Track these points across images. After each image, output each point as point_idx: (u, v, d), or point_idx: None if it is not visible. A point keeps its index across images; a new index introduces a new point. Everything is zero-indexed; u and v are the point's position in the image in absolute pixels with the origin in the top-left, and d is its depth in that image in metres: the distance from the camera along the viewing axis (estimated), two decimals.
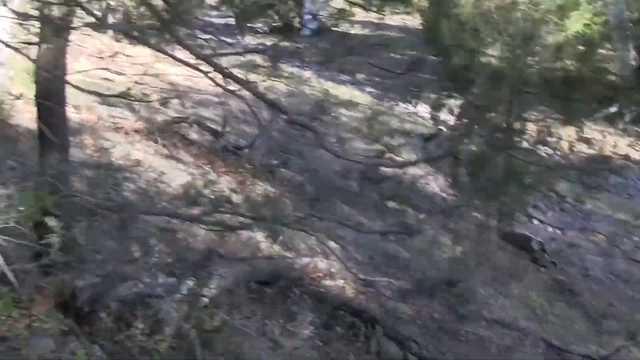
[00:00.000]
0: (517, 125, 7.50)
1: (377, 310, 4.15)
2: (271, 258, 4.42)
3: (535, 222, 8.98)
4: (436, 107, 8.34)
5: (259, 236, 4.77)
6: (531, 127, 8.15)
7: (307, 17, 21.75)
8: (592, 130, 14.41)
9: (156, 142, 6.86)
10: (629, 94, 14.58)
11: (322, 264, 4.49)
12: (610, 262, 8.00)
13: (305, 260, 4.42)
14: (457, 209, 8.12)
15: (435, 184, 8.61)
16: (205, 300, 3.43)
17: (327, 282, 4.44)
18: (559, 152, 13.19)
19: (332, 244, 5.27)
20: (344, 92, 14.75)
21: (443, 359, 3.93)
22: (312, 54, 19.46)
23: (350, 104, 13.43)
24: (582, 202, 9.94)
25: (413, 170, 7.93)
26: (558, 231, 8.82)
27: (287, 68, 16.47)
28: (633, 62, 14.37)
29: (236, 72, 3.13)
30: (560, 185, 10.49)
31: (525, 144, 8.09)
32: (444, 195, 8.49)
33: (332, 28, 23.12)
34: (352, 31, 23.76)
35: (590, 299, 6.66)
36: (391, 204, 7.82)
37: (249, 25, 21.97)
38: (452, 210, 8.09)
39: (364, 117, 12.29)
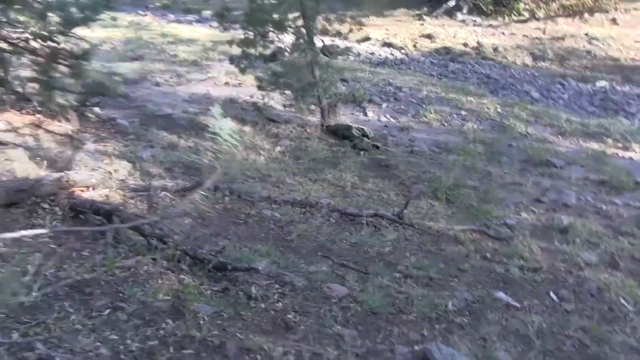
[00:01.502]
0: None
1: (132, 209, 4.00)
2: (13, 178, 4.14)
3: (370, 113, 9.15)
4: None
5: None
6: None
7: None
8: (433, 25, 14.88)
9: None
10: None
11: (78, 176, 4.27)
12: (435, 138, 8.33)
13: (57, 174, 4.19)
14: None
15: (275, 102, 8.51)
16: None
17: (88, 194, 4.23)
18: (404, 50, 13.51)
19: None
20: (185, 30, 14.28)
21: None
22: None
23: (190, 41, 13.06)
24: (418, 90, 10.25)
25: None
26: (392, 119, 9.05)
27: (126, 17, 15.71)
28: None
29: None
30: (400, 78, 10.78)
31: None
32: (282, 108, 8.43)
33: None
34: None
35: (407, 170, 6.90)
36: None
37: None
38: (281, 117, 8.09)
39: (202, 49, 11.99)
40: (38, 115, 6.67)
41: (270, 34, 7.01)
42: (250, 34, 6.60)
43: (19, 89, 6.86)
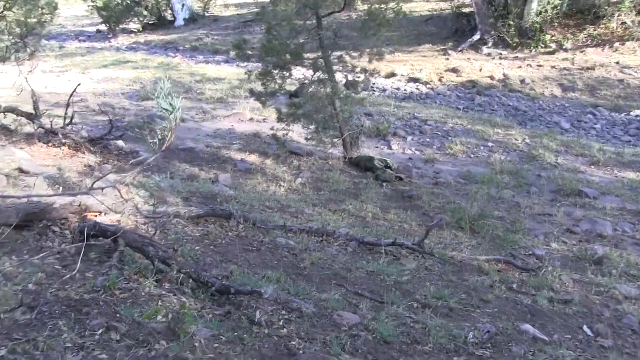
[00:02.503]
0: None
1: (144, 234, 3.92)
2: (28, 199, 4.12)
3: (394, 146, 9.03)
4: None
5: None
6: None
7: (178, 8, 21.33)
8: (458, 59, 14.82)
9: None
10: (486, 20, 15.07)
11: (91, 201, 4.23)
12: (461, 169, 8.12)
13: (69, 199, 4.16)
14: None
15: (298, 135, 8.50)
16: None
17: (100, 218, 4.19)
18: (430, 84, 13.43)
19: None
20: (212, 69, 14.57)
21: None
22: (184, 41, 19.15)
23: (216, 79, 13.32)
24: (444, 122, 10.11)
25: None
26: (417, 151, 8.90)
27: (156, 58, 16.15)
28: None
29: None
30: (425, 111, 10.67)
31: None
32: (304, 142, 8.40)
33: (206, 14, 22.85)
34: (227, 13, 23.54)
35: (430, 201, 6.71)
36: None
37: (121, 27, 21.39)
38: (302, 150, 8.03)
39: (228, 87, 12.16)
40: (62, 148, 6.78)
41: (290, 66, 7.00)
42: (268, 66, 6.59)
43: (47, 124, 7.02)
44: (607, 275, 4.99)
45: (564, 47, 14.33)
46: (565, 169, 8.31)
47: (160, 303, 2.93)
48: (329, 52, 6.71)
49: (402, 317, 3.59)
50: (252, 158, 7.61)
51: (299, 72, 8.53)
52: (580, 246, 5.74)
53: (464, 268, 4.77)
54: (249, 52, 6.85)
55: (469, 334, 3.56)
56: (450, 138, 9.41)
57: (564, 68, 13.61)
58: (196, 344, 2.59)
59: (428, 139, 9.43)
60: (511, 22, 14.81)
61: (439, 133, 9.74)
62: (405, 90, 13.19)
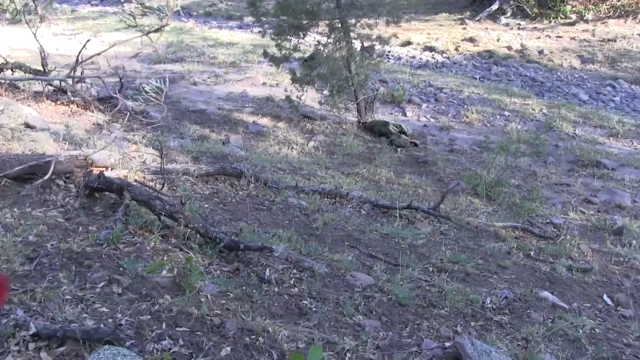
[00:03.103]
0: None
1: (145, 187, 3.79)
2: (31, 154, 4.01)
3: (409, 113, 8.82)
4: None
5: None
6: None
7: None
8: (476, 29, 14.43)
9: None
10: None
11: (97, 155, 4.10)
12: (477, 137, 7.92)
13: (74, 152, 4.03)
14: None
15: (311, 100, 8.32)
16: None
17: (107, 173, 4.06)
18: (446, 53, 13.13)
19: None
20: (225, 35, 14.31)
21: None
22: (198, 7, 18.84)
23: (229, 44, 13.09)
24: (459, 91, 9.86)
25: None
26: (432, 119, 8.69)
27: (172, 22, 15.94)
28: None
29: None
30: (441, 80, 10.41)
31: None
32: (318, 106, 8.23)
33: None
34: None
35: (445, 167, 6.53)
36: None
37: None
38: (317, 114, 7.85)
39: (241, 52, 11.95)
40: (71, 106, 6.64)
41: (305, 26, 6.76)
42: (283, 25, 6.36)
43: (57, 82, 6.87)
44: (626, 246, 4.83)
45: (584, 18, 13.89)
46: (583, 140, 8.08)
47: (165, 258, 2.81)
48: (346, 11, 6.46)
49: (417, 280, 3.45)
50: (264, 121, 7.44)
51: (313, 39, 8.31)
52: (599, 216, 5.56)
53: (480, 234, 4.62)
54: (263, 11, 6.60)
55: (487, 299, 3.43)
56: (466, 106, 9.17)
57: (584, 39, 13.20)
58: (202, 300, 2.47)
59: (443, 107, 9.20)
60: None
61: (455, 101, 9.50)
62: (420, 58, 12.88)
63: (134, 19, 2.95)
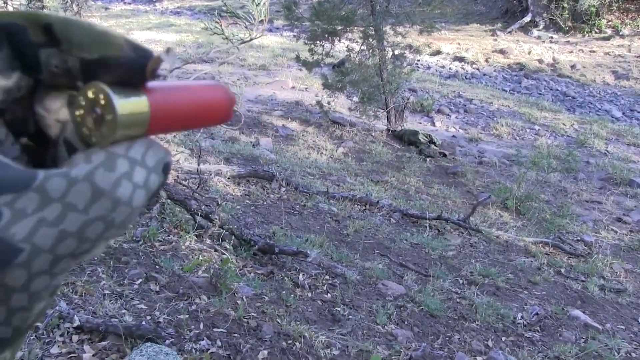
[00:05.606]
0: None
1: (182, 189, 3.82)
2: None
3: (438, 124, 8.77)
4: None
5: None
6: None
7: None
8: (507, 41, 14.31)
9: None
10: (538, 2, 14.47)
11: None
12: (506, 150, 7.84)
13: None
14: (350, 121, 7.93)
15: (341, 106, 8.35)
16: None
17: None
18: (476, 64, 13.05)
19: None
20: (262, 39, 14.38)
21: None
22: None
23: (260, 47, 13.16)
24: (489, 103, 9.79)
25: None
26: (461, 130, 8.63)
27: (199, 23, 16.13)
28: None
29: None
30: (470, 91, 10.34)
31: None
32: (345, 112, 8.25)
33: None
34: None
35: (474, 179, 6.47)
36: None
37: None
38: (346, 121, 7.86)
39: (271, 55, 12.02)
40: None
41: (339, 32, 6.78)
42: (317, 30, 6.38)
43: None
44: None
45: (620, 33, 13.68)
46: (615, 158, 7.94)
47: (201, 257, 2.83)
48: (381, 19, 6.46)
49: (448, 291, 3.43)
50: (294, 125, 7.46)
51: (343, 45, 8.32)
52: (632, 236, 5.46)
53: (510, 248, 4.56)
54: (298, 15, 6.63)
55: (518, 315, 3.39)
56: (495, 119, 9.09)
57: (619, 55, 13.00)
58: (238, 302, 2.47)
59: (473, 118, 9.13)
60: (565, 5, 14.19)
61: (484, 113, 9.42)
62: (450, 68, 12.81)
63: (221, 26, 2.94)
